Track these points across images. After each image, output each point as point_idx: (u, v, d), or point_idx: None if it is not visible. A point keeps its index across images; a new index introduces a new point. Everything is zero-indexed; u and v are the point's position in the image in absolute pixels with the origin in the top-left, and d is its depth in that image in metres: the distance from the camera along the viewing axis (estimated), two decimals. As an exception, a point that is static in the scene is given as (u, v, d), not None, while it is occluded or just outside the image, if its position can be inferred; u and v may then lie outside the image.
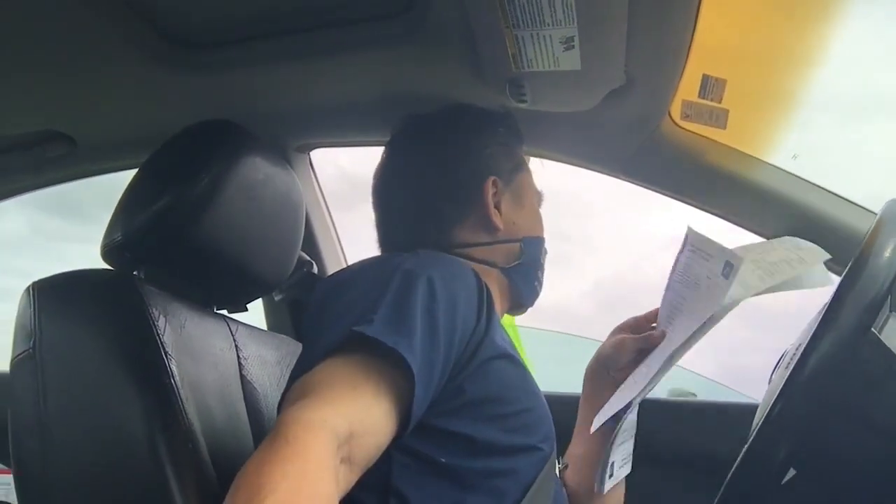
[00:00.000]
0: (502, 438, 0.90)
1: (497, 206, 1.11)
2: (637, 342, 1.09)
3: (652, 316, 1.12)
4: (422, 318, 0.80)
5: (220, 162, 1.06)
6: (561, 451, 1.14)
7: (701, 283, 0.95)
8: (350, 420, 0.70)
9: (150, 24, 1.20)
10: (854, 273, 0.70)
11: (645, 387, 0.97)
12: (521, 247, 1.12)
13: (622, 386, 1.04)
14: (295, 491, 0.60)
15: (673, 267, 1.04)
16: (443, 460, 0.85)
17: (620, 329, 1.16)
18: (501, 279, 1.10)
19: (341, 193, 1.76)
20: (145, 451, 0.78)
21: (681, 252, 1.02)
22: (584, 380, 1.19)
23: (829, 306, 0.70)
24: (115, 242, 1.01)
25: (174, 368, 0.85)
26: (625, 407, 1.00)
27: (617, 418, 1.02)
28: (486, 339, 0.91)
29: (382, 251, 1.16)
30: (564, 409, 1.14)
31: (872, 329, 0.70)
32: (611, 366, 1.13)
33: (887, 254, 0.71)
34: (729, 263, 0.89)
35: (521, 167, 1.17)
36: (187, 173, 1.03)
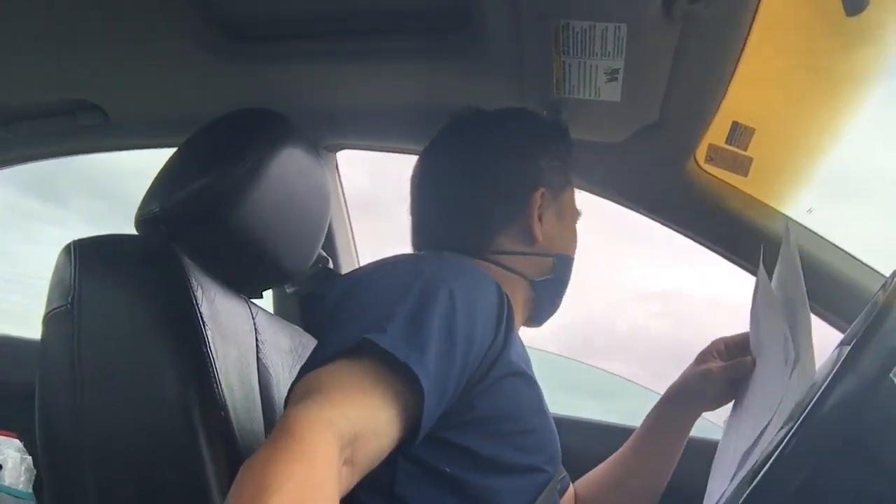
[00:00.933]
0: (509, 456, 0.90)
1: (540, 219, 1.09)
2: (727, 372, 1.04)
3: (743, 341, 1.07)
4: (439, 330, 0.79)
5: (261, 149, 1.07)
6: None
7: (770, 327, 0.93)
8: (355, 423, 0.70)
9: (199, 8, 1.22)
10: (878, 322, 0.73)
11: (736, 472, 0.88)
12: (554, 262, 1.11)
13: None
14: (300, 491, 0.60)
15: (754, 292, 1.02)
16: (448, 471, 0.85)
17: (706, 357, 1.10)
18: (528, 291, 1.09)
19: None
20: (179, 417, 0.79)
21: (756, 287, 1.00)
22: (658, 406, 1.15)
23: (850, 351, 0.72)
24: (152, 213, 1.03)
25: (210, 338, 0.86)
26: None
27: None
28: (502, 355, 0.90)
29: (416, 248, 1.14)
30: (568, 432, 1.14)
31: (891, 375, 0.73)
32: (701, 398, 1.09)
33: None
34: (787, 345, 0.86)
35: (568, 184, 1.17)
36: (230, 155, 1.05)
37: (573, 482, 1.19)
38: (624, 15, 0.97)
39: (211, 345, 0.85)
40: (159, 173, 1.11)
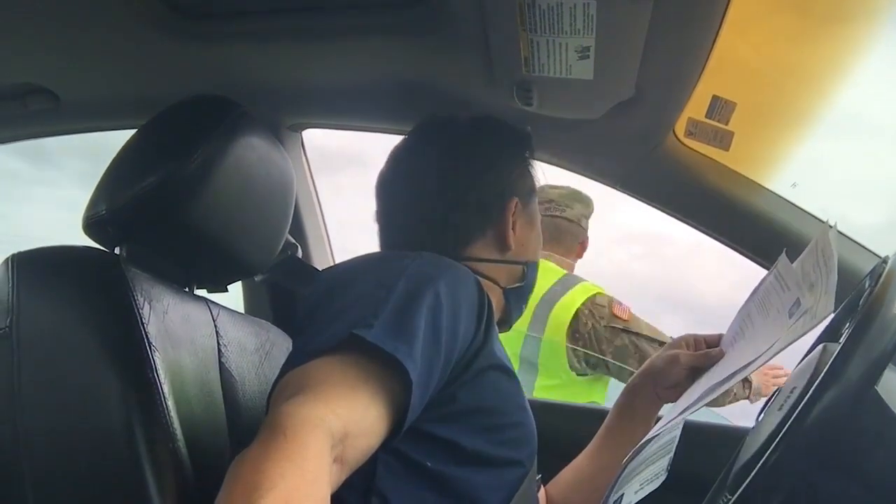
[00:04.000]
0: (490, 450, 0.90)
1: (513, 227, 1.11)
2: (693, 359, 1.07)
3: (713, 339, 1.10)
4: (426, 323, 0.79)
5: (214, 140, 1.02)
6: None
7: (770, 312, 0.92)
8: (345, 420, 0.70)
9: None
10: (863, 327, 0.69)
11: (686, 408, 0.92)
12: (524, 270, 1.13)
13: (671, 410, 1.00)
14: (293, 490, 0.60)
15: (755, 289, 1.01)
16: (428, 465, 0.85)
17: (676, 345, 1.14)
18: (500, 298, 1.11)
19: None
20: (124, 447, 0.75)
21: (767, 275, 0.99)
22: (624, 392, 1.17)
23: (835, 359, 0.69)
24: (99, 216, 0.97)
25: (157, 361, 0.81)
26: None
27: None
28: (484, 349, 0.90)
29: (384, 248, 1.14)
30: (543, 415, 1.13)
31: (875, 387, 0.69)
32: (660, 381, 1.11)
33: (896, 310, 0.70)
34: (798, 302, 0.84)
35: (535, 192, 1.17)
36: (179, 150, 0.99)
37: (548, 466, 1.18)
38: (593, -8, 0.90)
39: (157, 368, 0.81)
40: (105, 171, 1.04)
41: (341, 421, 0.69)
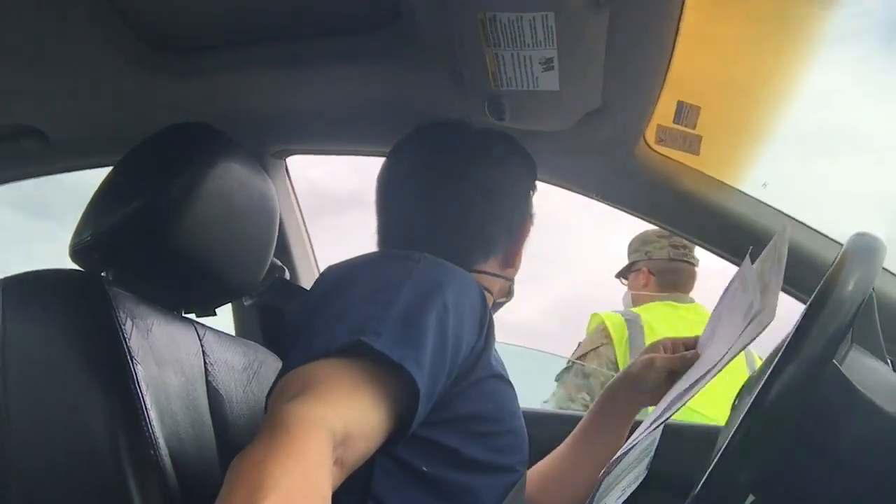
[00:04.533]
0: (485, 456, 0.91)
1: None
2: (668, 362, 1.08)
3: (690, 341, 1.12)
4: (434, 331, 0.79)
5: (195, 166, 1.04)
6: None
7: (734, 314, 0.93)
8: (347, 423, 0.70)
9: (130, 25, 1.19)
10: (818, 305, 0.71)
11: (662, 412, 0.92)
12: (510, 287, 1.17)
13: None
14: (295, 490, 0.60)
15: (726, 289, 1.03)
16: (424, 469, 0.86)
17: (653, 349, 1.15)
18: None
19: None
20: (108, 456, 0.77)
21: (732, 279, 1.01)
22: (603, 395, 1.19)
23: (792, 336, 0.71)
24: (84, 242, 1.00)
25: (139, 373, 0.83)
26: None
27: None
28: (483, 357, 0.91)
29: (386, 246, 1.15)
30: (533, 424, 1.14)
31: (834, 361, 0.71)
32: (640, 386, 1.11)
33: (851, 287, 0.72)
34: (752, 304, 0.86)
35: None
36: (162, 176, 1.02)
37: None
38: (549, 4, 0.94)
39: (139, 379, 0.83)
40: (91, 199, 1.07)
41: (343, 422, 0.69)
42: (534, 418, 1.17)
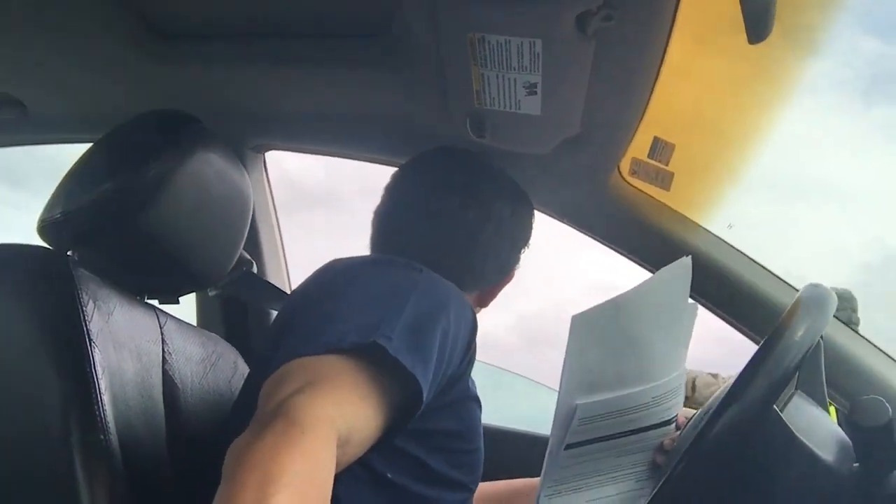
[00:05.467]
0: (447, 471, 0.93)
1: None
2: None
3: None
4: (438, 345, 0.80)
5: (171, 153, 1.04)
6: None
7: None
8: (350, 429, 0.70)
9: (125, 6, 1.19)
10: (766, 349, 0.74)
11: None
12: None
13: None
14: (307, 488, 0.59)
15: None
16: (389, 476, 0.87)
17: None
18: None
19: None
20: (58, 438, 0.76)
21: None
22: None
23: (738, 378, 0.73)
24: (54, 220, 0.99)
25: (96, 356, 0.83)
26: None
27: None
28: (462, 378, 0.93)
29: (380, 251, 1.17)
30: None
31: (775, 406, 0.73)
32: None
33: (799, 335, 0.75)
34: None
35: None
36: (137, 160, 1.01)
37: None
38: (538, 31, 0.96)
39: (96, 362, 0.83)
40: (64, 178, 1.07)
41: (347, 427, 0.69)
42: (492, 434, 1.19)
